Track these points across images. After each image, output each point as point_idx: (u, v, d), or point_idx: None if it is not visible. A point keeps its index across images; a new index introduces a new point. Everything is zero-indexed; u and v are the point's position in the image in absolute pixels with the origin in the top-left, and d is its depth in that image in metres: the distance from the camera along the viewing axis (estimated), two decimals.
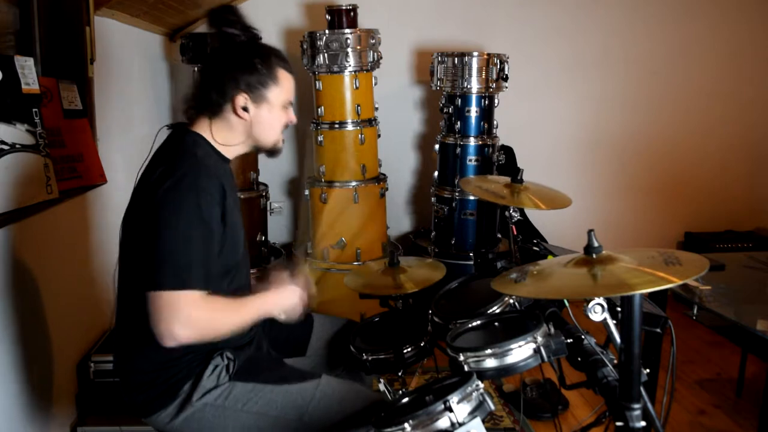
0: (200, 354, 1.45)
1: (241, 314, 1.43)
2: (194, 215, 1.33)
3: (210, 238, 1.36)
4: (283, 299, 1.53)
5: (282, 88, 1.50)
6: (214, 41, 1.51)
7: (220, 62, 1.48)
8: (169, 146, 1.48)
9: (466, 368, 1.31)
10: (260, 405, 1.45)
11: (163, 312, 1.28)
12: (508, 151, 3.57)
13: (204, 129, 1.49)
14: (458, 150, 3.21)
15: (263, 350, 1.64)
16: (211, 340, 1.38)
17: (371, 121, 3.17)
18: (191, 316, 1.30)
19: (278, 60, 1.50)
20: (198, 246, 1.33)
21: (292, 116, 1.56)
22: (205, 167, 1.40)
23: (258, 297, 1.50)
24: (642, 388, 1.14)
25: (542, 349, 1.29)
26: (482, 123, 3.22)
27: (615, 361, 1.25)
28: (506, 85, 3.22)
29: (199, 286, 1.32)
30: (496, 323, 1.50)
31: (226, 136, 1.50)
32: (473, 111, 3.20)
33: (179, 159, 1.40)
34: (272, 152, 1.58)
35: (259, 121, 1.48)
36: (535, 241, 1.99)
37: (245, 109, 1.46)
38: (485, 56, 3.13)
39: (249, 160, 3.21)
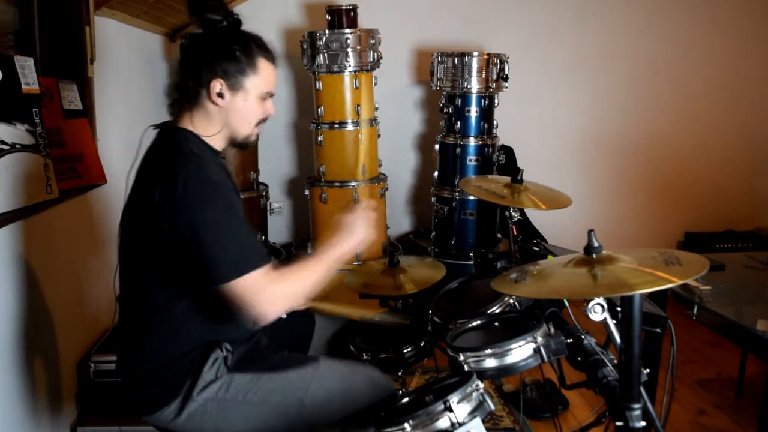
0: (201, 349, 1.46)
1: (317, 267, 1.43)
2: (221, 204, 1.34)
3: (241, 217, 1.38)
4: (350, 239, 1.50)
5: (260, 78, 1.46)
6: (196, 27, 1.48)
7: (198, 48, 1.46)
8: (161, 146, 1.46)
9: (466, 368, 1.31)
10: (261, 395, 1.44)
11: (247, 299, 1.32)
12: (508, 151, 3.57)
13: (188, 123, 1.47)
14: (458, 150, 3.21)
15: (261, 344, 1.64)
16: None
17: (371, 121, 3.18)
18: (274, 292, 1.34)
19: (259, 49, 1.46)
20: (240, 228, 1.35)
21: (270, 108, 1.52)
22: (205, 159, 1.40)
23: (325, 251, 1.47)
24: (642, 388, 1.14)
25: (542, 349, 1.29)
26: (482, 123, 3.22)
27: (615, 361, 1.25)
28: (506, 85, 3.22)
29: (260, 261, 1.33)
30: (496, 323, 1.50)
31: (205, 126, 1.47)
32: (473, 111, 3.20)
33: (178, 159, 1.38)
34: (243, 145, 1.54)
35: (234, 109, 1.45)
36: (535, 241, 1.99)
37: (220, 95, 1.43)
38: (485, 56, 3.13)
39: (249, 160, 3.21)
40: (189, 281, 1.39)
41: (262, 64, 1.46)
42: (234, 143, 1.54)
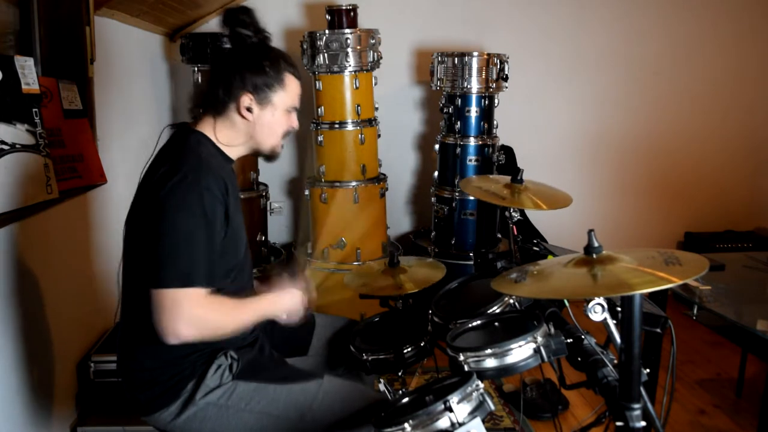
0: (204, 353, 1.46)
1: (244, 315, 1.44)
2: (197, 213, 1.33)
3: (213, 237, 1.37)
4: (285, 301, 1.54)
5: (288, 93, 1.51)
6: (228, 41, 1.52)
7: (230, 61, 1.49)
8: (172, 145, 1.48)
9: (466, 368, 1.31)
10: (263, 404, 1.45)
11: (166, 309, 1.29)
12: (508, 151, 3.57)
13: (208, 128, 1.50)
14: (458, 150, 3.21)
15: (266, 351, 1.64)
16: (211, 340, 1.39)
17: (371, 121, 3.17)
18: (195, 314, 1.31)
19: (287, 65, 1.51)
20: (201, 244, 1.33)
21: (294, 122, 1.56)
22: (207, 166, 1.40)
23: (260, 298, 1.51)
24: (642, 388, 1.14)
25: (542, 349, 1.29)
26: (482, 123, 3.22)
27: (615, 361, 1.25)
28: (506, 85, 3.22)
29: (203, 284, 1.33)
30: (496, 323, 1.50)
31: (228, 136, 1.51)
32: (473, 111, 3.20)
33: (182, 158, 1.40)
34: (270, 157, 1.59)
35: (261, 123, 1.49)
36: (535, 241, 1.99)
37: (249, 109, 1.47)
38: (485, 56, 3.13)
39: (249, 161, 3.21)
40: (145, 275, 1.37)
41: (289, 79, 1.51)
42: (260, 154, 1.58)
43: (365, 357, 1.65)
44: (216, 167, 1.43)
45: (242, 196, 3.14)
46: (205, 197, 1.35)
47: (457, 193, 3.23)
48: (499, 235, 3.36)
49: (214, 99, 1.48)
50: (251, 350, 1.56)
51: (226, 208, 1.41)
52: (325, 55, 3.01)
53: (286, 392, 1.47)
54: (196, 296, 1.31)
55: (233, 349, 1.49)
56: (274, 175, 3.71)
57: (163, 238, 1.31)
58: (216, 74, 1.52)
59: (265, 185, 3.39)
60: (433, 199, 3.35)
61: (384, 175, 3.32)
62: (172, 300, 1.29)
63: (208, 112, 1.50)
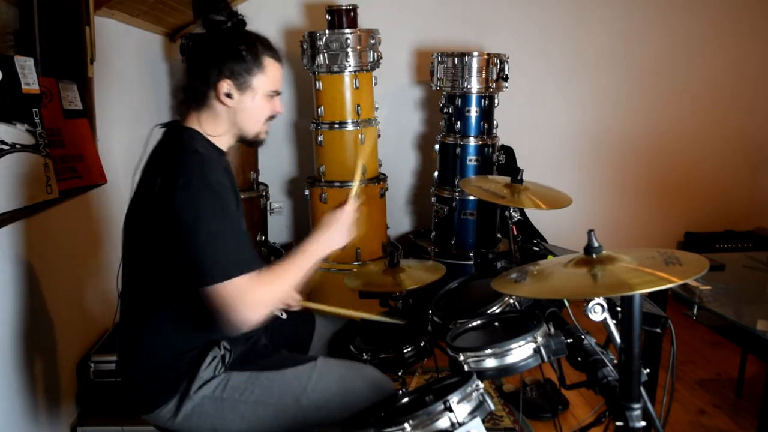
0: (200, 348, 1.46)
1: (297, 270, 1.44)
2: (217, 209, 1.33)
3: (239, 224, 1.39)
4: (328, 235, 1.51)
5: (267, 77, 1.47)
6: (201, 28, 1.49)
7: (205, 49, 1.46)
8: (167, 145, 1.47)
9: (466, 368, 1.31)
10: (257, 394, 1.45)
11: (228, 304, 1.31)
12: (508, 151, 3.57)
13: (194, 122, 1.48)
14: (458, 150, 3.21)
15: (260, 342, 1.64)
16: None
17: (371, 121, 3.18)
18: (255, 298, 1.33)
19: (264, 48, 1.47)
20: (232, 232, 1.35)
21: (277, 106, 1.53)
22: (208, 160, 1.40)
23: (303, 249, 1.48)
24: (642, 388, 1.14)
25: (542, 349, 1.29)
26: (482, 123, 3.22)
27: (615, 361, 1.25)
28: (506, 85, 3.22)
29: (249, 268, 1.34)
30: (496, 323, 1.50)
31: (213, 126, 1.48)
32: (473, 111, 3.20)
33: (182, 157, 1.39)
34: (254, 143, 1.56)
35: (242, 108, 1.47)
36: (535, 241, 1.99)
37: (229, 95, 1.44)
38: (485, 56, 3.13)
39: (249, 160, 3.21)
40: (188, 279, 1.38)
41: (269, 62, 1.47)
42: (244, 141, 1.55)
43: (365, 357, 1.65)
44: (215, 160, 1.44)
45: (242, 196, 3.14)
46: (217, 190, 1.35)
47: (457, 193, 3.23)
48: (499, 235, 3.36)
49: (193, 91, 1.46)
50: (245, 341, 1.55)
51: (236, 196, 1.43)
52: (325, 55, 3.01)
53: (279, 378, 1.46)
54: (249, 281, 1.33)
55: (226, 341, 1.48)
56: (274, 175, 3.71)
57: (194, 240, 1.31)
58: (192, 64, 1.50)
59: (265, 185, 3.39)
60: (433, 199, 3.35)
61: (384, 175, 3.32)
62: (230, 294, 1.30)
63: (191, 105, 1.48)
